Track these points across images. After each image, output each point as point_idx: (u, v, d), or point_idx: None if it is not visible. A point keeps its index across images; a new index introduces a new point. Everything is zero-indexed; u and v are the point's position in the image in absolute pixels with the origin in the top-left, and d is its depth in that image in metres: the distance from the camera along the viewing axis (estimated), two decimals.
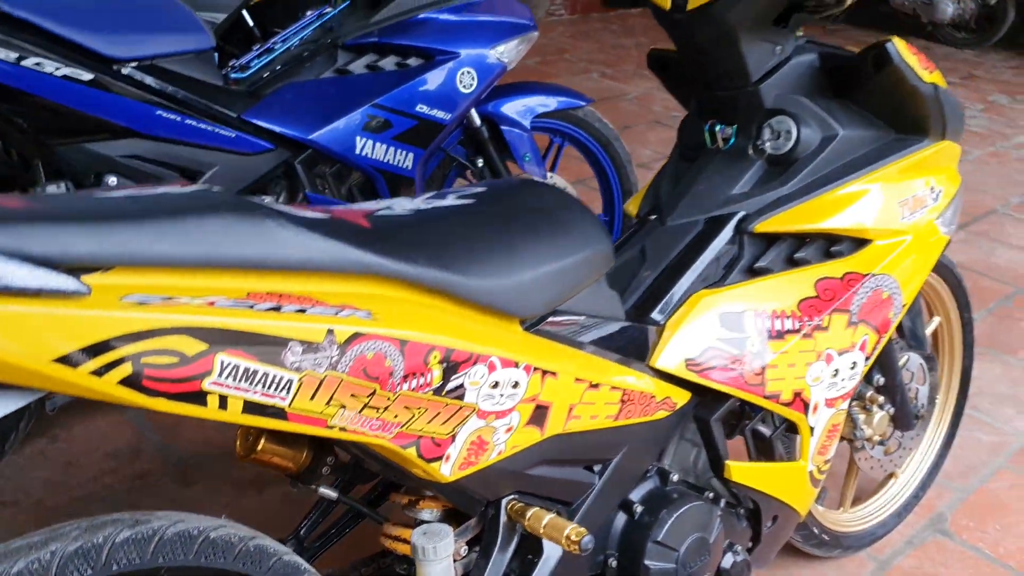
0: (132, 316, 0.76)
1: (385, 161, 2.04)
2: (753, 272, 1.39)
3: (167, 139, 1.81)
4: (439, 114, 2.14)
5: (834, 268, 1.41)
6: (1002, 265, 3.46)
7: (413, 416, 0.95)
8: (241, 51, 2.92)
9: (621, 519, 1.29)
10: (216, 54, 1.96)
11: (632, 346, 1.25)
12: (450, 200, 1.14)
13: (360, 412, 0.90)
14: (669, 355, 1.28)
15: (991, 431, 2.50)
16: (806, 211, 1.41)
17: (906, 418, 1.82)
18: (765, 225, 1.40)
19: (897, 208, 1.47)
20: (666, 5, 1.38)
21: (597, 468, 1.24)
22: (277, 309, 0.84)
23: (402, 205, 1.11)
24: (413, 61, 2.10)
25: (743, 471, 1.38)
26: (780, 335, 1.35)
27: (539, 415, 1.08)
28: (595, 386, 1.14)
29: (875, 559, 2.02)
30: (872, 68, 1.41)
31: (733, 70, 1.41)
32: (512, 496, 1.13)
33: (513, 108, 2.35)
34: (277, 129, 1.94)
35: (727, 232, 1.40)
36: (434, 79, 2.12)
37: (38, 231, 0.74)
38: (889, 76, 1.41)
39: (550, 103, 2.41)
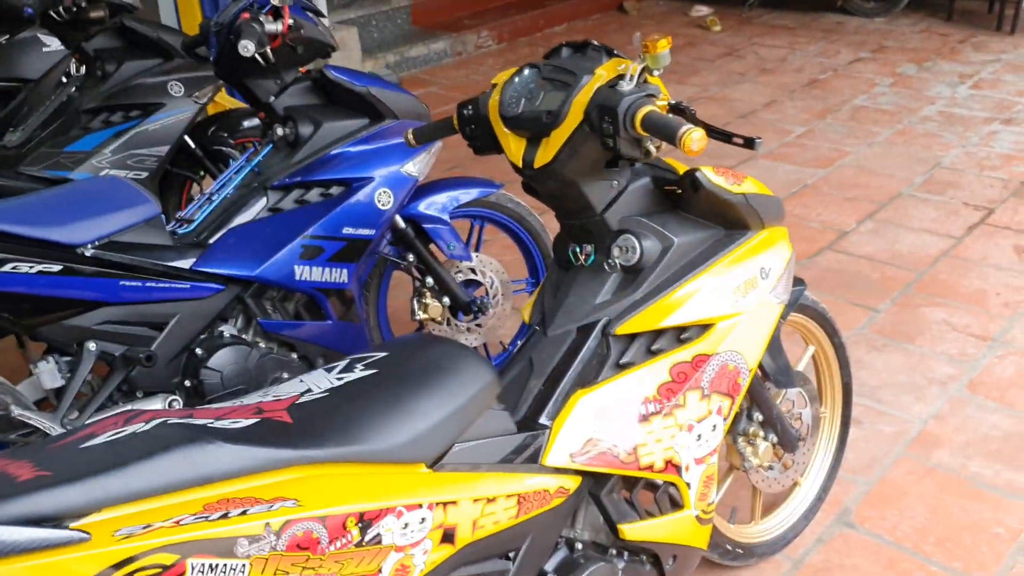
0: (125, 547, 1.08)
1: (323, 280, 2.36)
2: (620, 367, 1.71)
3: (133, 303, 2.12)
4: (364, 232, 2.45)
5: (684, 353, 1.74)
6: (905, 252, 3.80)
7: (343, 565, 1.26)
8: (192, 171, 3.23)
9: None
10: (163, 216, 2.27)
11: (525, 453, 1.57)
12: (357, 371, 1.46)
13: (300, 574, 1.22)
14: (556, 453, 1.60)
15: (892, 421, 2.84)
16: (656, 311, 1.73)
17: (790, 442, 2.16)
18: (624, 328, 1.72)
19: (731, 294, 1.79)
20: (519, 163, 1.70)
21: (512, 554, 1.56)
22: (226, 515, 1.16)
23: (318, 384, 1.43)
24: (335, 190, 2.41)
25: (635, 530, 1.71)
26: (646, 417, 1.67)
27: (448, 535, 1.40)
28: (492, 500, 1.46)
29: (789, 559, 2.35)
30: (691, 189, 1.74)
31: (581, 206, 1.73)
32: None
33: (432, 206, 2.66)
34: (225, 272, 2.25)
35: (595, 337, 1.72)
36: (355, 203, 2.43)
37: (44, 497, 1.06)
38: (705, 195, 1.73)
39: (463, 196, 2.73)
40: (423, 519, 1.35)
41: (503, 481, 1.50)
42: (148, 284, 2.14)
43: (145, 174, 2.98)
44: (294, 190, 2.37)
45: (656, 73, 1.62)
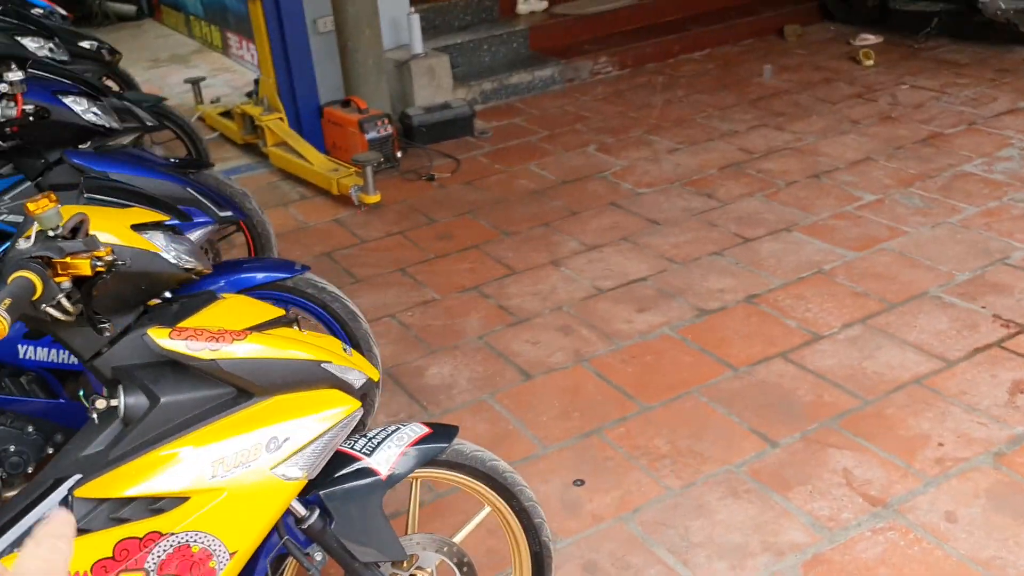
0: None
1: (50, 360, 2.42)
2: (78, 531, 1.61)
3: None
4: None
5: (137, 528, 1.59)
6: (870, 372, 3.20)
7: None
8: None
9: None
10: None
11: None
12: None
13: None
14: None
15: None
16: (122, 475, 1.60)
17: None
18: (85, 490, 1.61)
19: (209, 467, 1.62)
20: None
21: None
22: None
23: None
24: None
25: None
26: None
27: None
28: None
29: None
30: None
31: (72, 351, 1.64)
32: None
33: (219, 285, 2.64)
34: None
35: (59, 493, 1.63)
36: None
37: None
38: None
39: (256, 278, 2.68)
40: None
41: None
42: None
43: None
44: None
45: (53, 232, 1.51)
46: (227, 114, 6.15)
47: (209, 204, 2.58)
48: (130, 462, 1.60)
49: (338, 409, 1.73)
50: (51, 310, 1.50)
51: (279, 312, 1.86)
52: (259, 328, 1.76)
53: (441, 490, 2.76)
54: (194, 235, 2.54)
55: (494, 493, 2.05)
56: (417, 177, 5.28)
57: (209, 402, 1.65)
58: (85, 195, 1.61)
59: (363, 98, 5.58)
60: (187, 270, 1.68)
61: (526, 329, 3.65)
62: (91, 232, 1.56)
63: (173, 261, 1.66)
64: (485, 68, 6.47)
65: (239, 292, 2.63)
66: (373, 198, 4.88)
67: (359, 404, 1.78)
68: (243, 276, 2.66)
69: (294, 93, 5.57)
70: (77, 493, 1.60)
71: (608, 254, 4.18)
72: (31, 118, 2.38)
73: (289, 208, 5.06)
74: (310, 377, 1.70)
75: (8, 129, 2.40)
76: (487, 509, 2.07)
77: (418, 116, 5.72)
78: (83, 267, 1.52)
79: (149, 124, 3.47)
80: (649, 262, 4.07)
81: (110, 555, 1.57)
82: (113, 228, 1.60)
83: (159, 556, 1.59)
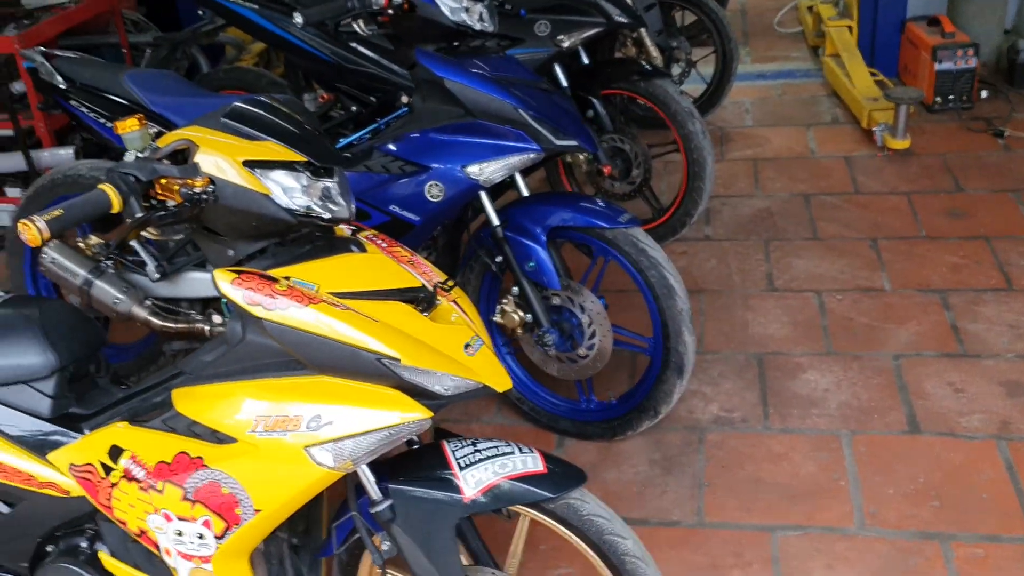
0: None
1: None
2: (166, 425, 1.68)
3: None
4: (409, 215, 2.40)
5: (194, 447, 1.59)
6: None
7: None
8: None
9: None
10: None
11: (45, 438, 1.76)
12: None
13: None
14: (61, 456, 1.73)
15: None
16: (200, 393, 1.61)
17: None
18: (179, 391, 1.66)
19: (254, 420, 1.52)
20: None
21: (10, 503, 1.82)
22: None
23: None
24: (396, 166, 2.42)
25: (111, 563, 1.74)
26: (132, 477, 1.65)
27: None
28: None
29: None
30: None
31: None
32: None
33: (529, 216, 2.42)
34: None
35: (163, 389, 1.72)
36: (406, 186, 2.39)
37: None
38: None
39: (567, 218, 2.40)
40: None
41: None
42: None
43: None
44: (373, 156, 2.50)
45: (140, 155, 1.48)
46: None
47: (543, 131, 2.36)
48: (210, 384, 1.60)
49: (394, 413, 1.51)
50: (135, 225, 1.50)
51: (415, 283, 1.65)
52: (375, 296, 1.58)
53: None
54: (508, 160, 2.35)
55: (609, 572, 1.64)
56: (984, 128, 4.25)
57: (280, 356, 1.55)
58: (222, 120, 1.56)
59: (964, 18, 4.61)
60: (302, 217, 1.55)
61: (963, 368, 2.79)
62: (196, 160, 1.51)
63: (284, 204, 1.54)
64: None
65: (550, 230, 2.42)
66: (899, 143, 4.07)
67: (429, 414, 1.52)
68: (558, 212, 2.43)
69: None
70: (174, 390, 1.66)
71: None
72: (393, 11, 2.38)
73: (809, 131, 4.48)
74: (366, 369, 1.49)
75: (379, 19, 2.44)
76: None
77: None
78: (174, 193, 1.49)
79: (619, 20, 3.26)
80: None
81: (169, 460, 1.62)
82: (226, 160, 1.53)
83: (196, 482, 1.59)
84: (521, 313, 2.53)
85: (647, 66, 3.42)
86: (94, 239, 2.72)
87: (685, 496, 2.45)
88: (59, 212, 1.41)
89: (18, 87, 3.99)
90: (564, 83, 3.30)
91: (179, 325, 2.49)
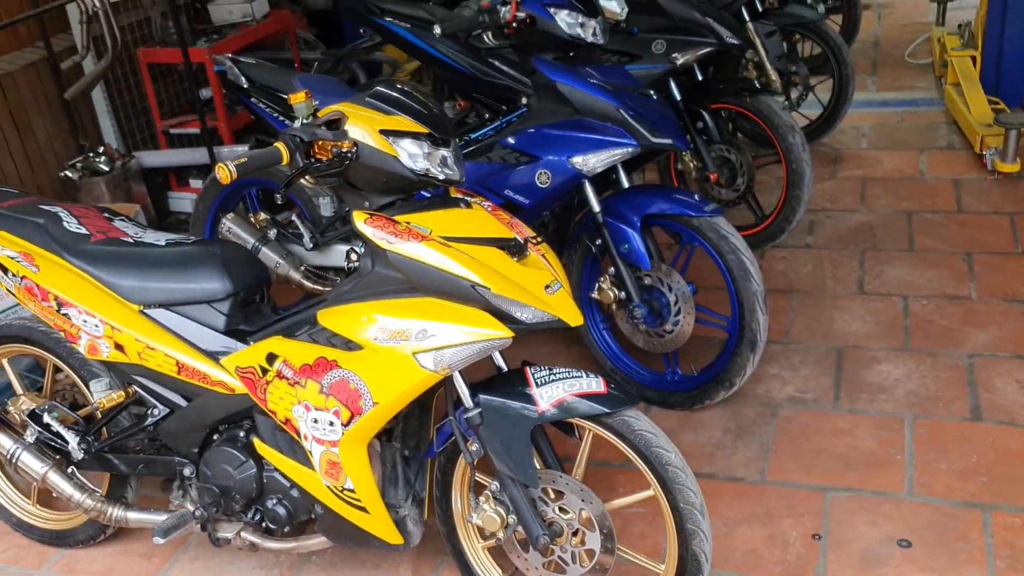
0: None
1: None
2: (311, 338, 2.12)
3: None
4: (520, 198, 2.78)
5: (331, 353, 2.03)
6: None
7: (44, 316, 2.34)
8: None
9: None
10: None
11: (220, 348, 2.23)
12: (162, 240, 2.37)
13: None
14: (231, 360, 2.20)
15: None
16: (341, 312, 2.05)
17: (529, 528, 2.06)
18: (324, 312, 2.11)
19: (378, 331, 1.94)
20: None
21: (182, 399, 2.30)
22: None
23: (150, 238, 2.40)
24: (512, 157, 2.82)
25: (266, 450, 2.17)
26: (283, 376, 2.10)
27: (119, 347, 2.26)
28: (152, 349, 2.23)
29: None
30: None
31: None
32: None
33: (625, 204, 2.77)
34: None
35: (313, 310, 2.16)
36: (520, 174, 2.78)
37: None
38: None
39: (663, 208, 2.74)
40: (98, 324, 2.28)
41: (174, 345, 2.24)
42: None
43: None
44: (494, 149, 2.91)
45: (304, 121, 1.93)
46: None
47: (641, 129, 2.70)
48: (347, 304, 2.05)
49: (484, 330, 1.90)
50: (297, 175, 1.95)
51: (509, 234, 2.04)
52: (475, 241, 1.99)
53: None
54: (608, 152, 2.70)
55: (655, 480, 1.98)
56: None
57: (399, 284, 1.98)
58: (366, 99, 1.99)
59: None
60: (422, 176, 1.97)
61: None
62: (346, 128, 1.96)
63: (408, 166, 1.95)
64: None
65: (644, 216, 2.77)
66: (1009, 167, 4.20)
67: (511, 334, 1.91)
68: (651, 201, 2.77)
69: (1003, 29, 4.89)
70: (319, 311, 2.12)
71: None
72: (517, 24, 2.80)
73: (922, 154, 4.64)
74: (463, 294, 1.89)
75: (505, 31, 2.87)
76: (649, 492, 2.01)
77: None
78: (327, 152, 1.94)
79: (729, 41, 3.58)
80: None
81: (311, 363, 2.07)
82: (367, 128, 1.96)
83: (331, 380, 2.02)
84: (616, 291, 2.88)
85: (755, 84, 3.72)
86: (263, 215, 3.26)
87: (752, 458, 2.73)
88: (244, 159, 1.88)
89: (205, 93, 4.66)
90: (677, 96, 3.64)
91: (327, 288, 2.98)
